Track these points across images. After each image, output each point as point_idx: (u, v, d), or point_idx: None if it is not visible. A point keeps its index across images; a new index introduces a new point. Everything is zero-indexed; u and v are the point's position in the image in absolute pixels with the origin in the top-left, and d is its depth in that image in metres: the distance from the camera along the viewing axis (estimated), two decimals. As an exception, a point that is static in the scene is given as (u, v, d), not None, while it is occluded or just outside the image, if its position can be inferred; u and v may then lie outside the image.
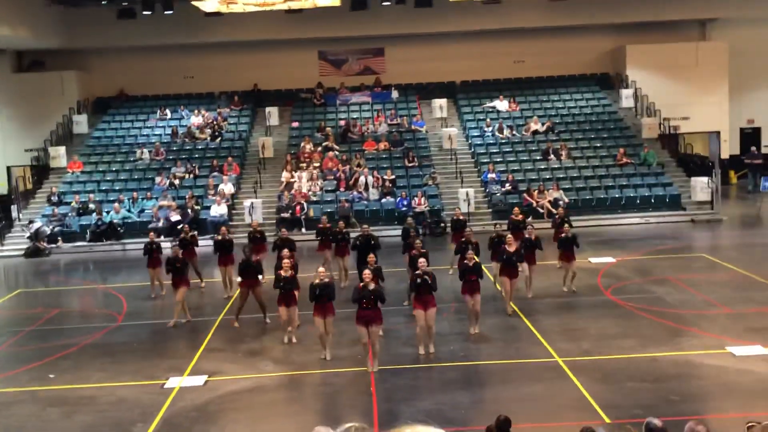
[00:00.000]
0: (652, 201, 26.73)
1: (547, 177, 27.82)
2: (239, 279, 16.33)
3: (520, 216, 20.00)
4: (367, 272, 13.11)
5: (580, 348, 13.54)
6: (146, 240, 19.19)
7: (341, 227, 19.29)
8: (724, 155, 32.92)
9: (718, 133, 33.03)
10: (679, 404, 10.96)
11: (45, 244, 25.51)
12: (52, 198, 27.62)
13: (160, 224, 25.29)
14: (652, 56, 32.71)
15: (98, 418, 11.43)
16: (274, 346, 14.43)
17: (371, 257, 15.30)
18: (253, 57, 33.46)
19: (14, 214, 28.08)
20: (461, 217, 20.96)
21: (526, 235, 17.33)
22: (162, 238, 22.38)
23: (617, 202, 26.81)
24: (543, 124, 30.86)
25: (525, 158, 29.41)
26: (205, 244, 21.85)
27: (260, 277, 15.85)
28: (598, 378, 12.07)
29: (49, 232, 25.79)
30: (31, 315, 17.88)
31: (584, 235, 23.13)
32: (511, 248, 15.86)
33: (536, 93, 33.55)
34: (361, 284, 12.92)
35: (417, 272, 13.52)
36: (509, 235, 16.50)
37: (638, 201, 26.74)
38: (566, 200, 26.08)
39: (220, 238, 18.73)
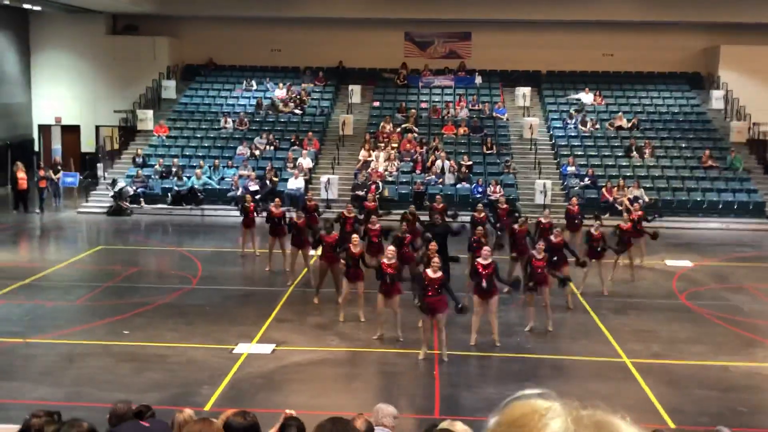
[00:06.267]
0: (735, 207, 26.02)
1: (629, 174, 27.32)
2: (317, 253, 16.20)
3: (576, 208, 19.39)
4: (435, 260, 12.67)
5: (649, 350, 13.34)
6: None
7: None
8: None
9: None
10: (746, 416, 10.73)
11: (127, 204, 26.26)
12: (137, 160, 28.34)
13: (239, 193, 25.75)
14: (746, 58, 31.69)
15: (167, 376, 11.74)
16: (341, 321, 14.58)
17: (433, 245, 14.02)
18: (339, 34, 33.60)
19: (100, 172, 28.99)
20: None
21: (593, 232, 16.67)
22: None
23: (699, 205, 26.18)
24: (628, 121, 30.28)
25: (607, 153, 28.93)
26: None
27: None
28: (665, 382, 11.88)
29: (132, 193, 26.53)
30: (110, 271, 18.46)
31: (662, 237, 22.66)
32: (557, 239, 15.57)
33: (623, 88, 32.91)
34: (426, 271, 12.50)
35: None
36: (557, 228, 16.18)
37: (720, 206, 26.06)
38: (647, 199, 25.58)
39: (274, 210, 18.30)
